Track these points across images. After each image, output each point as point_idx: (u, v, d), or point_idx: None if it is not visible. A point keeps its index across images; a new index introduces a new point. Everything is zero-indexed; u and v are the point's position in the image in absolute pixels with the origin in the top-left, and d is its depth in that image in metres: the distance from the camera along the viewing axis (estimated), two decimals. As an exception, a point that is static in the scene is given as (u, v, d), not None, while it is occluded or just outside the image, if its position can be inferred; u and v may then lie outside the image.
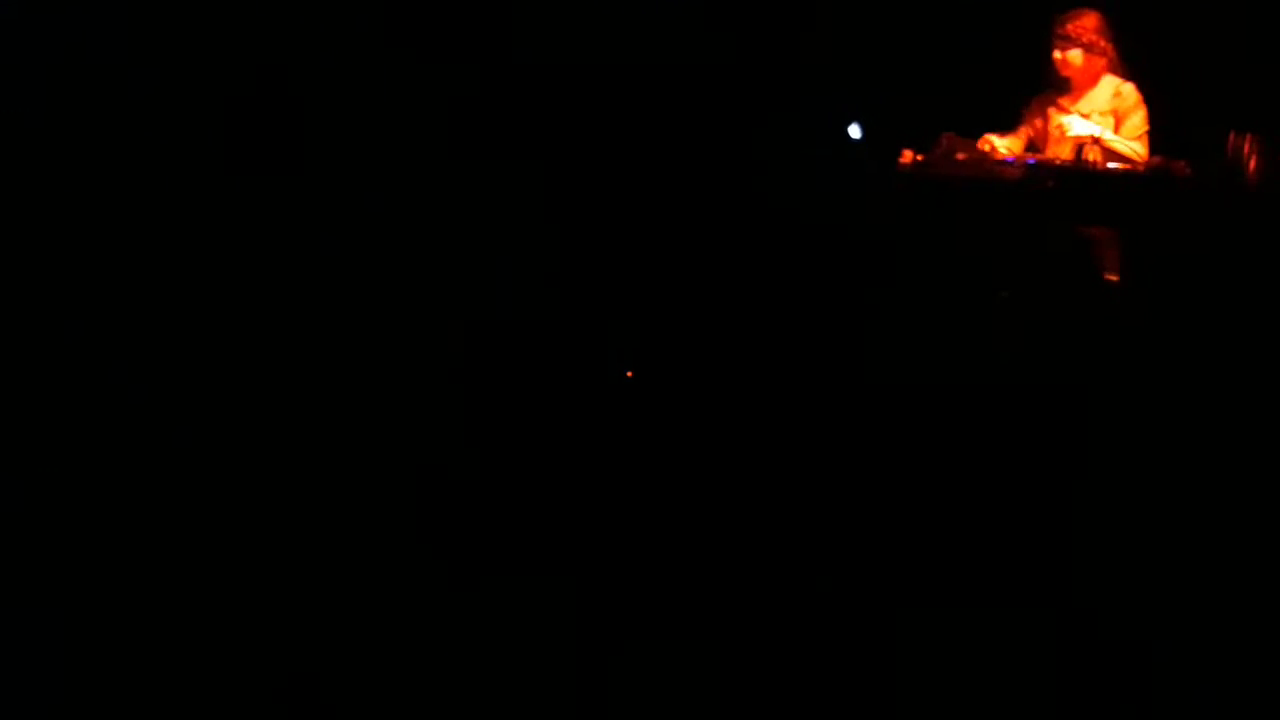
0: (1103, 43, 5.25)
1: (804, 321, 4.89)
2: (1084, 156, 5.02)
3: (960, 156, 5.17)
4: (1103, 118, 5.25)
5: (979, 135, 5.32)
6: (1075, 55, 5.25)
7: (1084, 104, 5.30)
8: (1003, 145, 5.31)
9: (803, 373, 4.57)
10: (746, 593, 3.36)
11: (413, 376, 4.31)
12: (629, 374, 4.79)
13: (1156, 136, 5.21)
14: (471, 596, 3.30)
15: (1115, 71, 5.29)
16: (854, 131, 5.33)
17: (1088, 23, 5.24)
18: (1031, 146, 5.38)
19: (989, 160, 5.19)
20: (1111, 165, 5.09)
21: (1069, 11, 5.26)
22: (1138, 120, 5.23)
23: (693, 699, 2.98)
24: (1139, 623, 3.20)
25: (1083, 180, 5.05)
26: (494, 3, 4.97)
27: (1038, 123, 5.40)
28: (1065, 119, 5.25)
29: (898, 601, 3.31)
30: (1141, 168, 5.12)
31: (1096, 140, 5.09)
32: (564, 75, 5.05)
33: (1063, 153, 5.18)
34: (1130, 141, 5.19)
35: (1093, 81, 5.29)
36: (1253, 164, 4.92)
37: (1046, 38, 5.29)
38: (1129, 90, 5.26)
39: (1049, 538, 3.57)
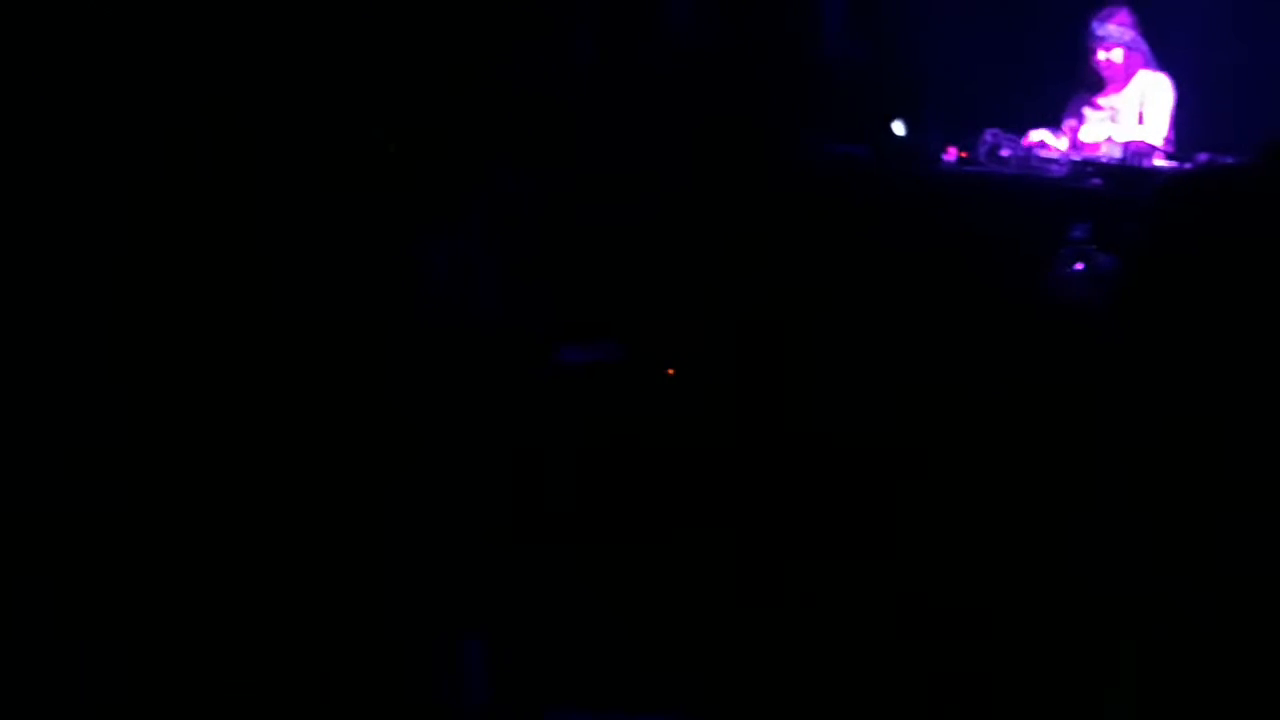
0: (1138, 39, 5.31)
1: (843, 319, 4.88)
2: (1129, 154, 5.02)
3: (1004, 153, 5.18)
4: (1134, 110, 5.29)
5: (1023, 132, 5.33)
6: (1117, 54, 5.30)
7: (1118, 100, 5.36)
8: (1051, 141, 5.31)
9: (841, 370, 4.56)
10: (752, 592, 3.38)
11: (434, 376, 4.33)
12: (670, 371, 4.80)
13: (1205, 133, 5.20)
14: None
15: (1149, 66, 5.34)
16: (898, 128, 5.32)
17: (1125, 19, 5.30)
18: (1075, 143, 5.39)
19: (1034, 157, 5.19)
20: (1158, 163, 5.07)
21: (1104, 11, 5.31)
22: (1160, 106, 5.29)
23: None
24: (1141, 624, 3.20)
25: (1127, 176, 5.03)
26: None
27: (1074, 121, 5.41)
28: (1086, 128, 5.30)
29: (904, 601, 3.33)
30: (1164, 147, 5.14)
31: (1109, 139, 5.12)
32: (606, 66, 5.07)
33: (1095, 147, 5.22)
34: (1144, 128, 5.22)
35: (1128, 78, 5.34)
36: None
37: (1084, 38, 5.32)
38: (1158, 79, 5.32)
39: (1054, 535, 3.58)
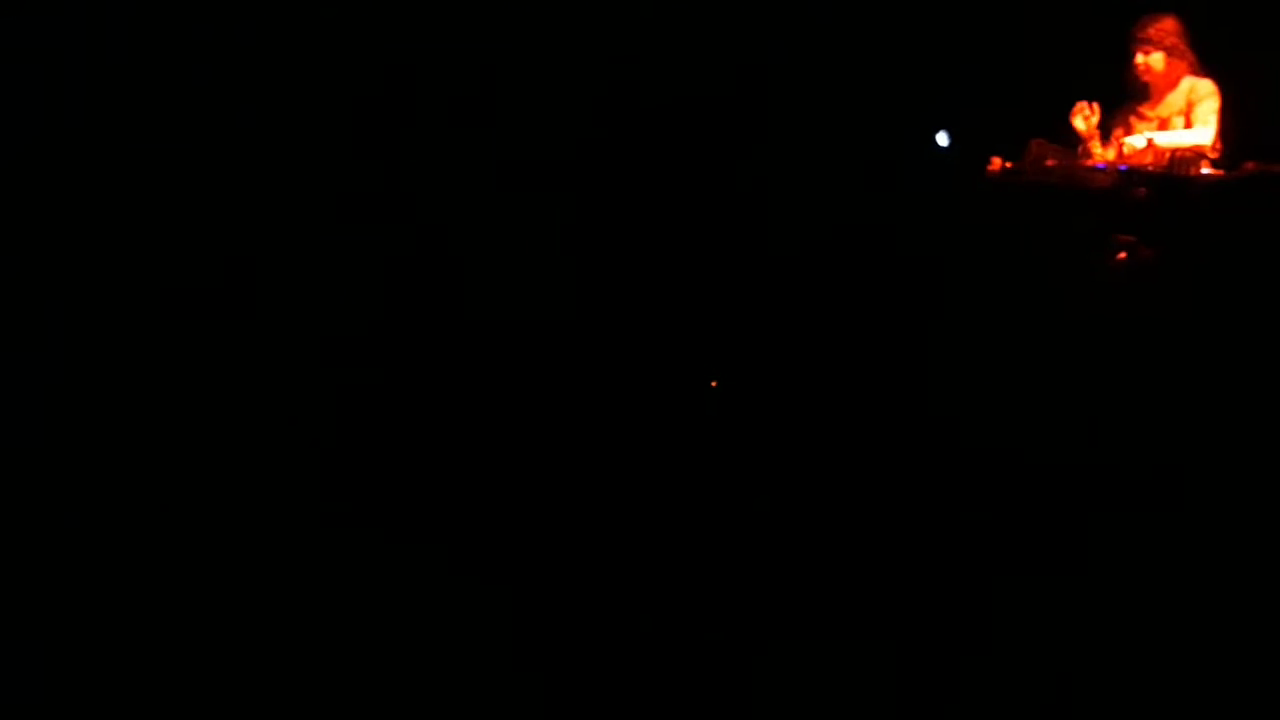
0: (1183, 46, 5.22)
1: (890, 329, 4.89)
2: (1176, 162, 4.97)
3: (1050, 163, 5.14)
4: (1179, 118, 5.24)
5: (1069, 142, 5.30)
6: (1157, 59, 5.22)
7: (1163, 109, 5.28)
8: (1097, 150, 5.28)
9: (885, 379, 4.57)
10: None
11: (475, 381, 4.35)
12: (714, 384, 4.81)
13: (1253, 142, 5.15)
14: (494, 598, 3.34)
15: (1196, 73, 5.25)
16: (942, 139, 5.30)
17: (1167, 25, 5.22)
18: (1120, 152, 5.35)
19: (1080, 167, 5.15)
20: (1205, 171, 5.03)
21: (1147, 16, 5.24)
22: (1205, 109, 5.19)
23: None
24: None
25: (1175, 186, 5.00)
26: None
27: (1120, 131, 5.37)
28: (1128, 139, 5.23)
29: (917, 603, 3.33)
30: (1210, 152, 5.08)
31: (1150, 142, 5.07)
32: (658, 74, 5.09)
33: (1142, 160, 5.17)
34: (1191, 131, 5.16)
35: (1173, 85, 5.26)
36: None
37: (1127, 44, 5.27)
38: (1203, 84, 5.22)
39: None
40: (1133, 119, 5.35)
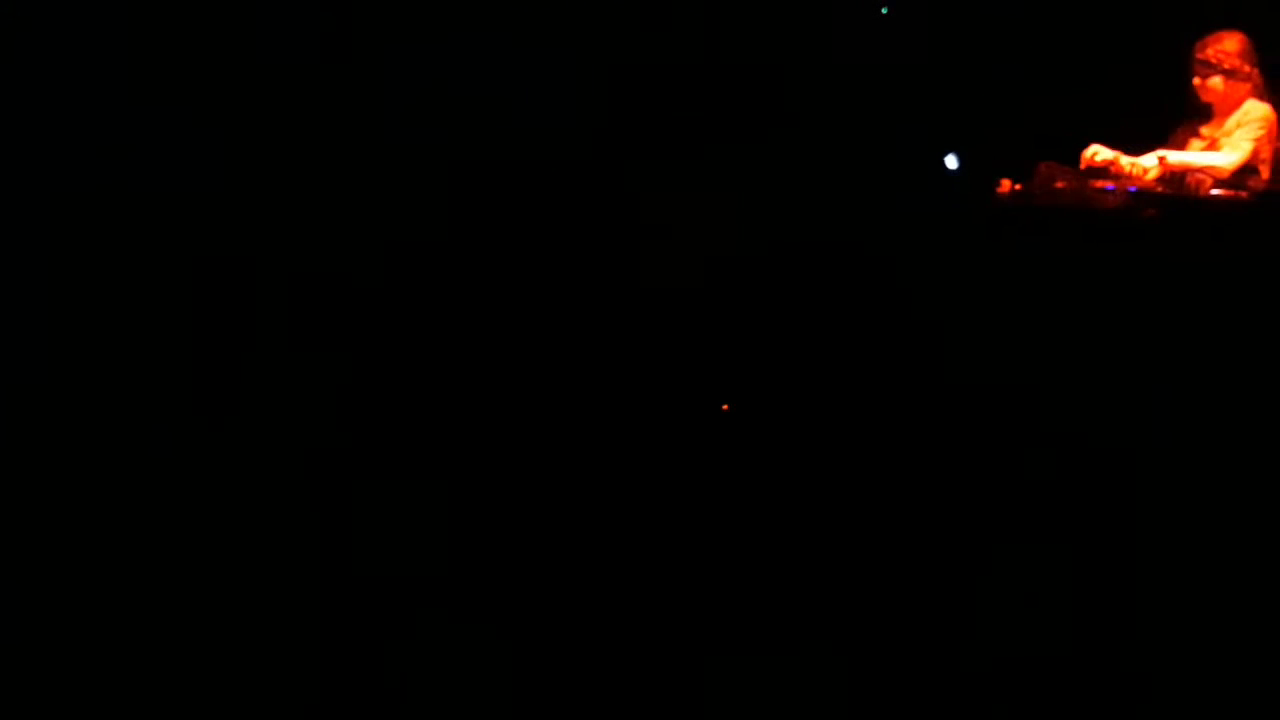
0: (1246, 68, 5.10)
1: (898, 349, 4.88)
2: (1188, 184, 4.91)
3: (1059, 185, 5.11)
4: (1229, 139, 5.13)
5: (1075, 163, 5.24)
6: (1216, 82, 5.10)
7: (1220, 130, 5.15)
8: (1136, 168, 5.16)
9: (891, 397, 4.57)
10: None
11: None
12: (725, 407, 4.80)
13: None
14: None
15: (1260, 96, 5.13)
16: (951, 161, 5.30)
17: (1229, 46, 5.10)
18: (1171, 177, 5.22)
19: (1089, 189, 5.12)
20: (1215, 192, 4.99)
21: (1210, 35, 5.13)
22: (1245, 131, 5.06)
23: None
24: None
25: (1187, 209, 4.96)
26: None
27: (1174, 149, 5.22)
28: (1140, 159, 5.15)
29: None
30: (1227, 176, 5.00)
31: (1161, 160, 5.02)
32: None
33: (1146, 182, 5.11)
34: (1210, 153, 5.08)
35: (1235, 107, 5.13)
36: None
37: (1188, 63, 5.15)
38: (1258, 107, 5.09)
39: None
40: (1190, 138, 5.22)
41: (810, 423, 4.55)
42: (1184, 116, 5.25)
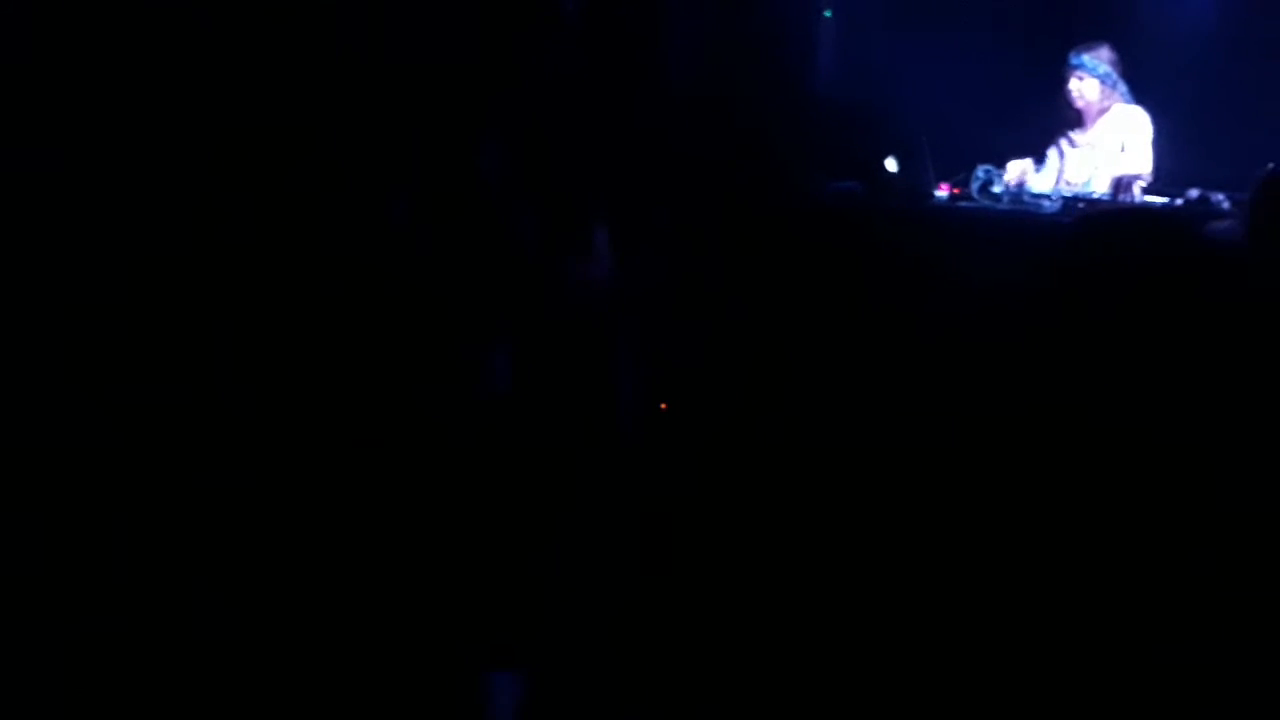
0: (1115, 74, 5.39)
1: (838, 351, 4.94)
2: (1121, 190, 5.11)
3: (996, 189, 5.26)
4: (1112, 144, 5.39)
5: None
6: (1090, 86, 5.39)
7: (1095, 134, 5.44)
8: (1033, 175, 5.40)
9: (835, 396, 4.62)
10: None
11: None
12: (663, 405, 4.84)
13: (1197, 172, 5.28)
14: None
15: (1127, 101, 5.42)
16: (891, 165, 5.40)
17: (1101, 54, 5.39)
18: (1060, 178, 5.48)
19: (1025, 193, 5.28)
20: (1147, 198, 5.16)
21: (1082, 43, 5.41)
22: (1140, 137, 5.36)
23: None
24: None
25: (1115, 211, 5.11)
26: None
27: (1057, 157, 5.51)
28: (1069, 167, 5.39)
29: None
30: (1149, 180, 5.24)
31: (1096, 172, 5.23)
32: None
33: (1078, 181, 5.32)
34: (1129, 158, 5.33)
35: (1104, 112, 5.43)
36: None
37: (1063, 72, 5.43)
38: (1137, 112, 5.40)
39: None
40: (1066, 144, 5.50)
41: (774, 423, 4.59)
42: (1060, 123, 5.53)
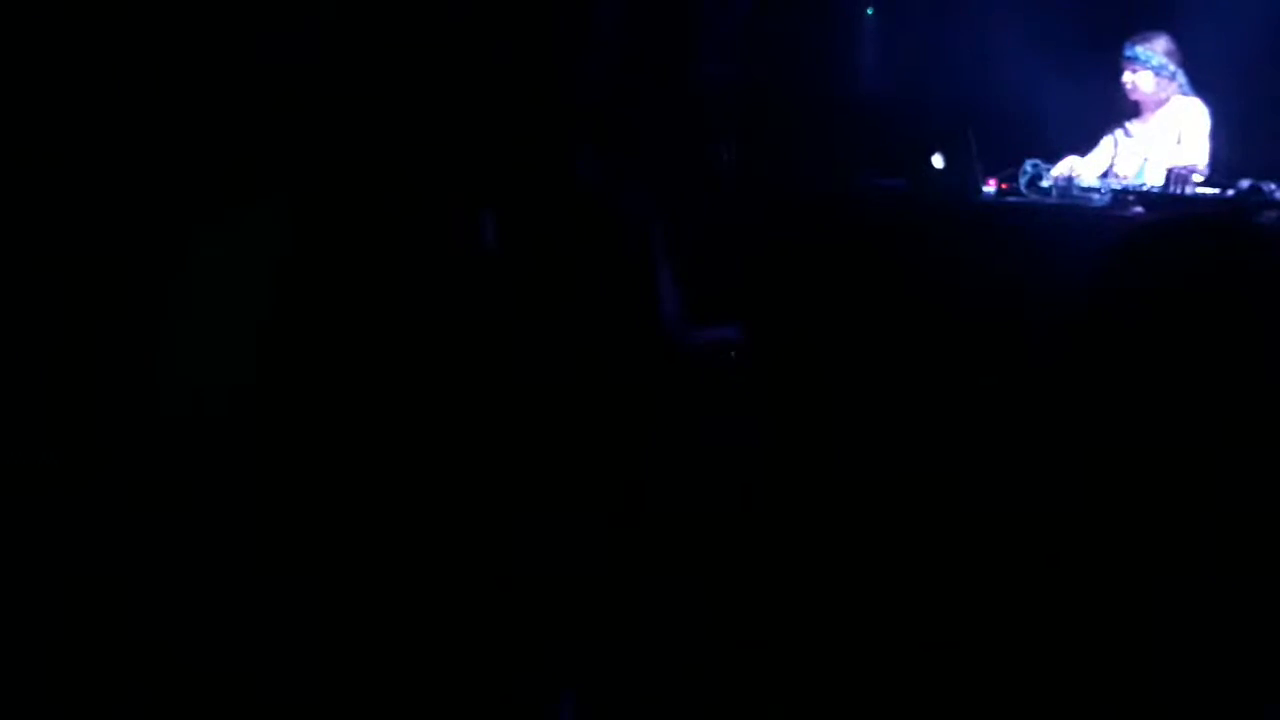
0: (1172, 65, 5.33)
1: (893, 341, 4.92)
2: (1173, 182, 5.05)
3: (1045, 183, 5.22)
4: (1168, 136, 5.34)
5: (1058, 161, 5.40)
6: (1145, 78, 5.33)
7: (1153, 125, 5.39)
8: (1083, 169, 5.37)
9: (874, 387, 4.60)
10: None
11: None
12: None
13: (1247, 160, 5.23)
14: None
15: (1184, 93, 5.36)
16: (937, 161, 5.37)
17: (1157, 45, 5.32)
18: (1110, 171, 5.45)
19: (1074, 186, 5.23)
20: (1199, 190, 5.09)
21: (1139, 35, 5.36)
22: (1197, 129, 5.30)
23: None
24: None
25: (1168, 202, 5.06)
26: None
27: (1111, 147, 5.46)
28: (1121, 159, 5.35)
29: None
30: (1205, 172, 5.17)
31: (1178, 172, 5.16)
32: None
33: (1130, 173, 5.26)
34: (1184, 150, 5.27)
35: (1161, 104, 5.38)
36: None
37: (1117, 62, 5.38)
38: (1193, 104, 5.34)
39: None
40: (1120, 135, 5.46)
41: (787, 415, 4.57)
42: (1114, 114, 5.48)
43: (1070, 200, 5.16)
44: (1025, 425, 4.23)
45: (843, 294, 5.13)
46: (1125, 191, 5.09)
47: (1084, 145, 5.53)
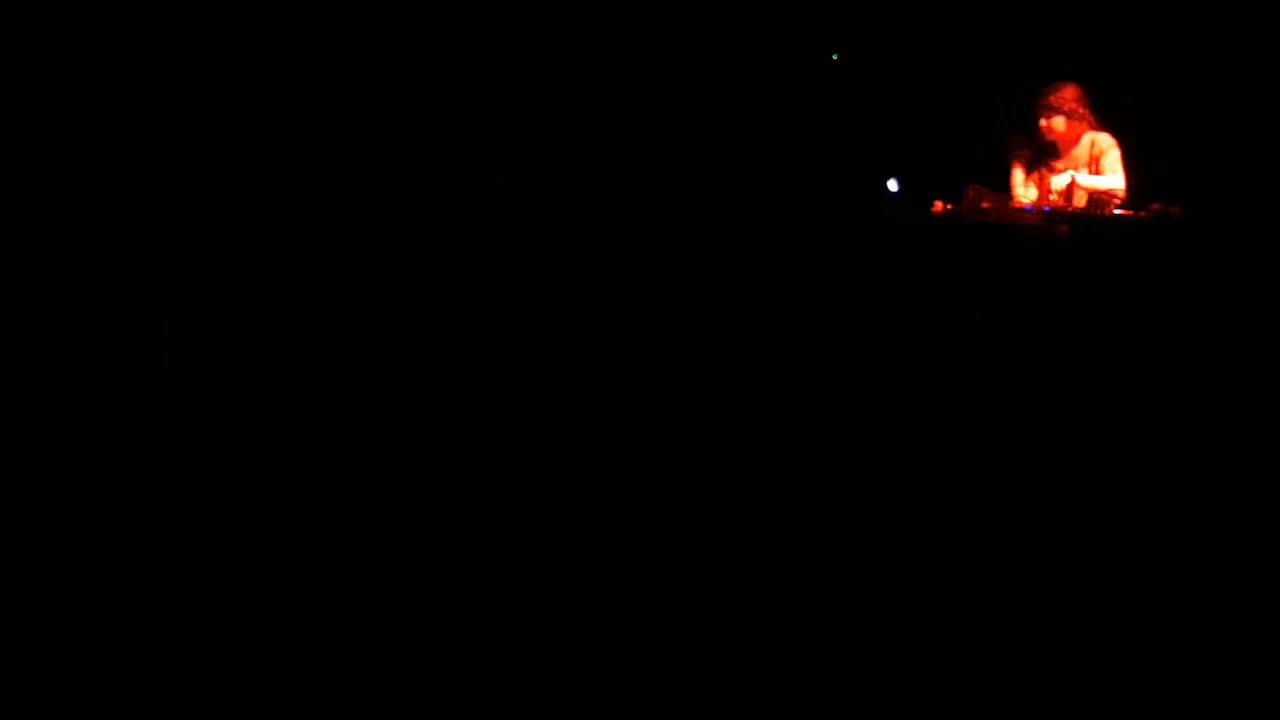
0: (1081, 109, 5.92)
1: (838, 352, 5.21)
2: (1072, 202, 5.72)
3: (985, 205, 5.74)
4: (1085, 168, 5.92)
5: (1000, 188, 5.97)
6: (1058, 122, 5.92)
7: (1069, 161, 5.97)
8: (1020, 193, 6.01)
9: (835, 405, 4.79)
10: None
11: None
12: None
13: (1155, 185, 5.81)
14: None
15: (1094, 128, 5.95)
16: (892, 185, 5.99)
17: (1067, 94, 5.92)
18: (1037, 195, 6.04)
19: (1010, 209, 5.79)
20: (1116, 211, 5.75)
21: (1050, 84, 5.94)
22: (1112, 158, 5.90)
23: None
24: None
25: (1092, 224, 5.63)
26: None
27: (1035, 179, 6.08)
28: (1054, 178, 5.97)
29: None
30: (1122, 195, 5.78)
31: (1073, 183, 5.83)
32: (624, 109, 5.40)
33: (1058, 198, 5.88)
34: (1106, 177, 5.87)
35: (1075, 141, 5.96)
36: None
37: (1033, 108, 5.99)
38: (1103, 137, 5.93)
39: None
40: (1045, 172, 6.05)
41: (755, 430, 4.62)
42: (1037, 149, 6.05)
43: (1005, 220, 5.67)
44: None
45: (810, 296, 5.46)
46: (1054, 214, 5.67)
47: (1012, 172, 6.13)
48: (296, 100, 4.28)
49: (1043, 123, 5.95)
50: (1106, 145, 5.95)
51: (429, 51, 4.56)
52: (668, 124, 5.55)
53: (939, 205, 5.83)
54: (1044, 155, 6.04)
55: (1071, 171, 5.90)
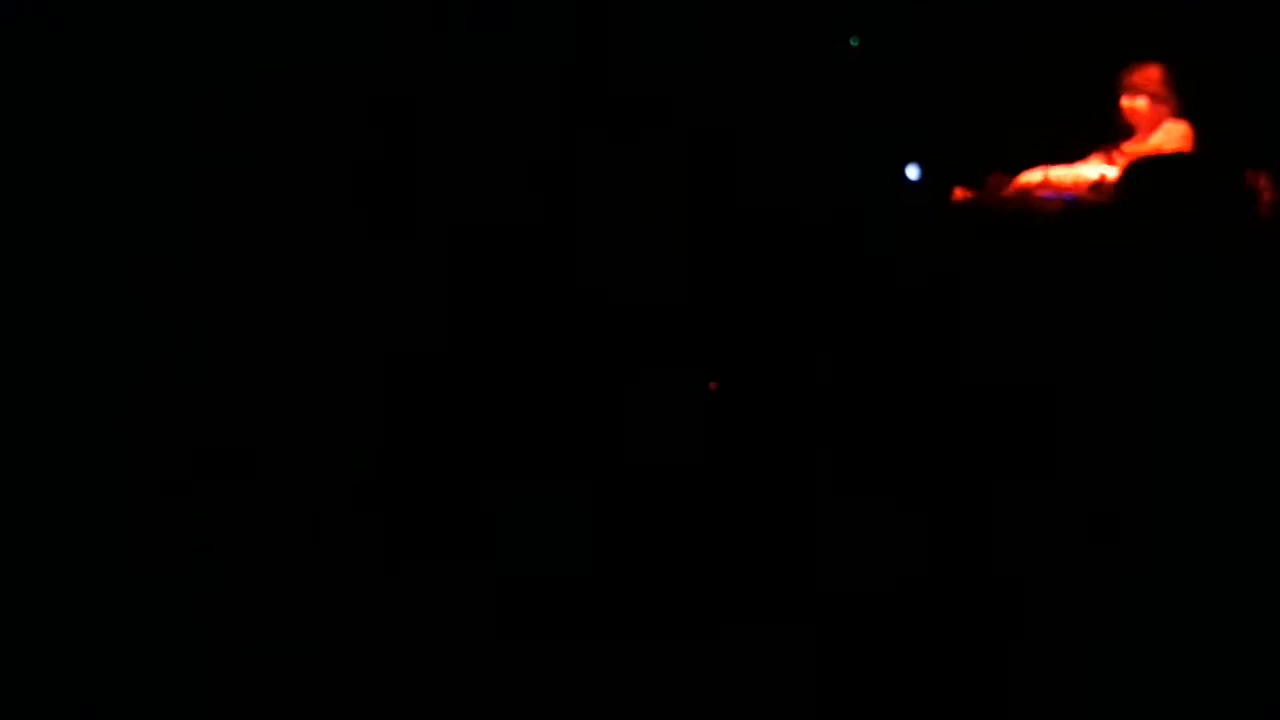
0: (1166, 93, 5.79)
1: (862, 340, 5.28)
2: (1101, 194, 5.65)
3: (1006, 194, 5.68)
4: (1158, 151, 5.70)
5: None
6: (1141, 104, 5.79)
7: (1141, 146, 5.78)
8: (1062, 179, 5.81)
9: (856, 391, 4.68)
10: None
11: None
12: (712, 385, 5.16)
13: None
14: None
15: (1177, 116, 5.80)
16: (912, 172, 5.96)
17: (1152, 74, 5.79)
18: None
19: (1032, 197, 5.68)
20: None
21: (1135, 63, 5.81)
22: (1173, 147, 5.70)
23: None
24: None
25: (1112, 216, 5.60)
26: None
27: (1100, 163, 5.85)
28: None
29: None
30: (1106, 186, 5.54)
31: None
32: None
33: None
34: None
35: (1154, 126, 5.82)
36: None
37: (1116, 87, 5.84)
38: (1177, 125, 5.78)
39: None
40: (1115, 154, 5.84)
41: (774, 420, 4.61)
42: (1108, 133, 5.92)
43: (1029, 208, 5.59)
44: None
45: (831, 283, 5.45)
46: (1076, 202, 5.55)
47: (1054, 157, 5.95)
48: (296, 100, 4.32)
49: (1124, 103, 5.83)
50: (1173, 136, 5.78)
51: (429, 51, 4.59)
52: (687, 111, 5.54)
53: (960, 192, 5.79)
54: (1117, 137, 5.89)
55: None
